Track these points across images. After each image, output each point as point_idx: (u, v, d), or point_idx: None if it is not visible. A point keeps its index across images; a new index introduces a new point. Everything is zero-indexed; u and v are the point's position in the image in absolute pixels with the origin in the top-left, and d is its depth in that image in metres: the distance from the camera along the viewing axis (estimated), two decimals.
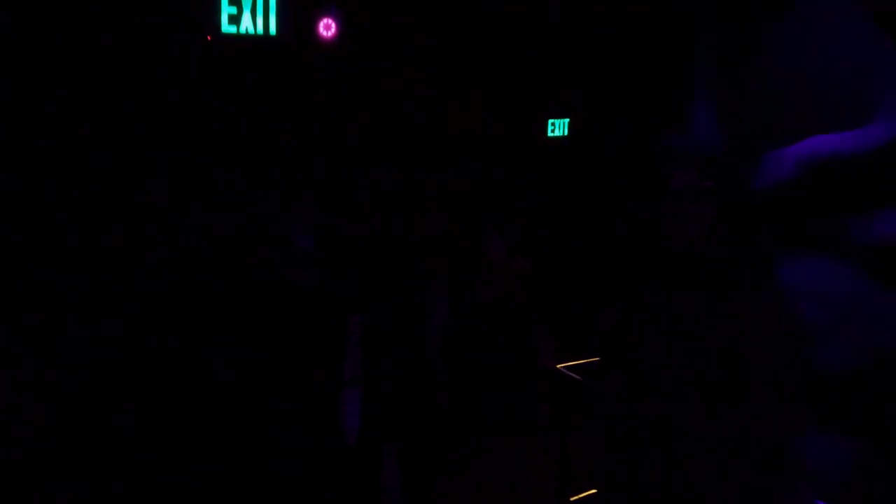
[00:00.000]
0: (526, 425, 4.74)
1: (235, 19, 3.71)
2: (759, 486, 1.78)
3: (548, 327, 5.79)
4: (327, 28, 3.91)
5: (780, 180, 2.73)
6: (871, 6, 2.67)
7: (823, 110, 2.86)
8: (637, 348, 1.87)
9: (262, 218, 3.62)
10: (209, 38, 3.72)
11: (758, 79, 3.20)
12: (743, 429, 1.75)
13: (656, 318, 1.91)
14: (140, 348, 3.52)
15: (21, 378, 3.36)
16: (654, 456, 1.83)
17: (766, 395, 1.80)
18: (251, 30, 3.74)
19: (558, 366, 2.92)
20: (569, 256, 6.02)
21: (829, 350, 2.46)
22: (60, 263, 3.68)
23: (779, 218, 2.56)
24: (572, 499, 2.86)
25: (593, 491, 2.73)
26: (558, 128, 5.95)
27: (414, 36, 4.80)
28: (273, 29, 3.75)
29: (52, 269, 3.65)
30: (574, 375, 2.77)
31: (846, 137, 2.76)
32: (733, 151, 2.48)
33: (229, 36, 3.73)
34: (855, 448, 2.34)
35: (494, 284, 5.45)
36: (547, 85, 5.91)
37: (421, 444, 2.54)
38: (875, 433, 2.24)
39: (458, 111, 5.58)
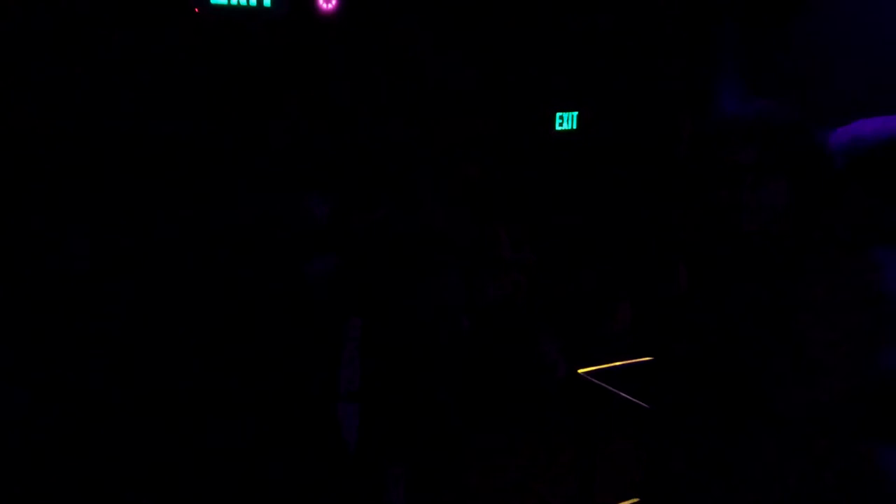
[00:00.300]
0: (540, 436, 4.48)
1: None
2: None
3: (553, 327, 5.53)
4: (327, 0, 3.61)
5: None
6: None
7: (876, 88, 2.60)
8: (701, 351, 1.56)
9: (257, 211, 3.32)
10: (196, 10, 3.41)
11: (798, 55, 2.93)
12: (813, 438, 1.47)
13: (725, 315, 1.60)
14: (126, 355, 3.22)
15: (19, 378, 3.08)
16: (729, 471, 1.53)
17: (839, 404, 1.52)
18: (243, 0, 3.44)
19: (579, 371, 2.62)
20: (577, 255, 5.76)
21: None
22: (44, 262, 3.37)
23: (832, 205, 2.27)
24: None
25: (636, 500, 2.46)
26: (567, 121, 5.69)
27: (421, 14, 4.53)
28: (267, 0, 3.46)
29: (36, 270, 3.34)
30: (596, 381, 2.47)
31: None
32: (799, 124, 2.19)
33: (219, 7, 3.43)
34: None
35: (501, 283, 5.20)
36: (554, 75, 5.66)
37: (430, 467, 2.20)
38: None
39: (463, 102, 5.32)
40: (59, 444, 3.00)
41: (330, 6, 3.65)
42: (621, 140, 5.53)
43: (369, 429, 2.11)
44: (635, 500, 2.48)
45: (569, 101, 5.67)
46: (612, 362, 5.71)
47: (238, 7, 3.43)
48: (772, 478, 1.56)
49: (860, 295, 1.63)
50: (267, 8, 3.47)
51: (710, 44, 3.45)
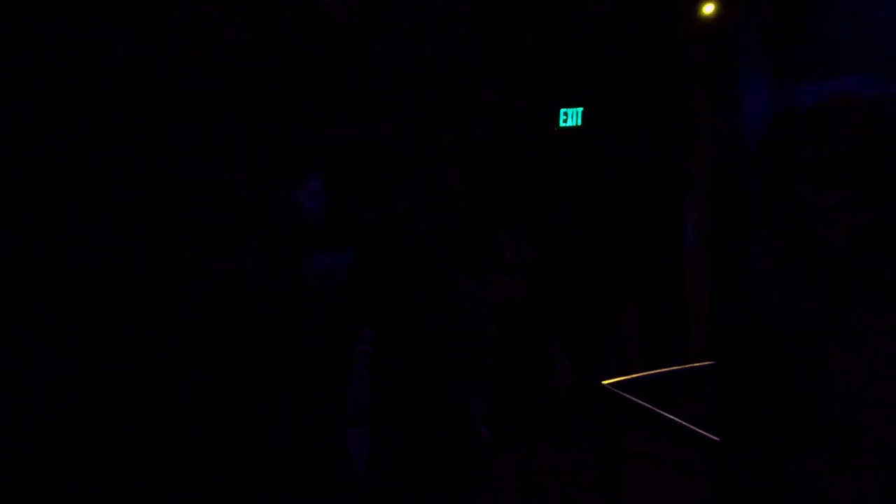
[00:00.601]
0: (554, 447, 4.31)
1: None
2: None
3: (558, 330, 5.37)
4: None
5: None
6: None
7: None
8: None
9: (249, 201, 3.12)
10: None
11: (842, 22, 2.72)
12: None
13: (799, 332, 1.40)
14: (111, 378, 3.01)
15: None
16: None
17: None
18: None
19: (604, 382, 2.45)
20: (580, 254, 5.60)
21: None
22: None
23: None
24: None
25: None
26: (571, 117, 5.51)
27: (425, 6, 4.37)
28: None
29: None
30: (623, 394, 2.30)
31: None
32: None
33: None
34: None
35: (505, 285, 5.03)
36: (559, 70, 5.49)
37: (449, 497, 1.98)
38: None
39: (466, 95, 5.15)
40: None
41: None
42: (628, 138, 5.37)
43: (382, 457, 1.89)
44: None
45: (573, 96, 5.50)
46: (618, 367, 5.56)
47: None
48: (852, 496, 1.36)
49: None
50: None
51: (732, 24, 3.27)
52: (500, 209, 5.15)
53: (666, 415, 1.83)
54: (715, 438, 1.62)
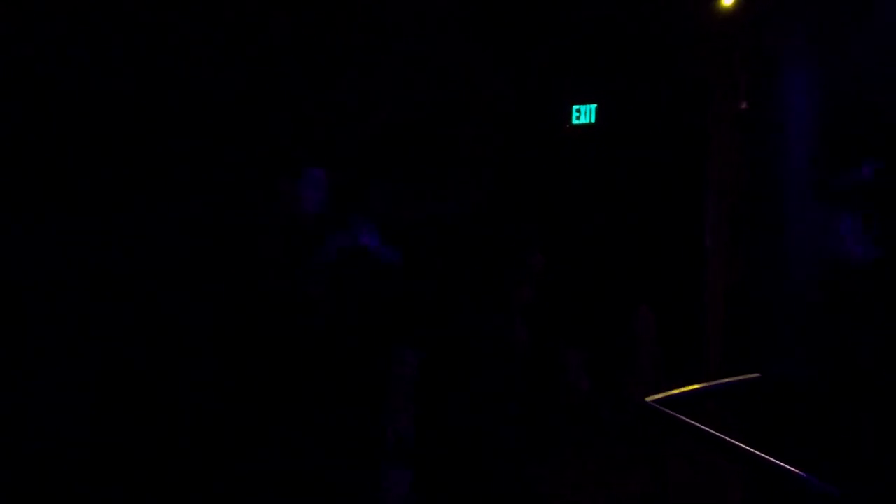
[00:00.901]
0: (580, 462, 4.11)
1: None
2: None
3: (572, 337, 5.17)
4: None
5: None
6: None
7: None
8: None
9: (249, 200, 2.95)
10: None
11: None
12: None
13: None
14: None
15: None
16: None
17: None
18: None
19: (647, 399, 2.23)
20: (597, 258, 5.42)
21: None
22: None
23: None
24: None
25: None
26: (584, 114, 5.32)
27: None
28: None
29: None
30: (673, 414, 2.09)
31: None
32: None
33: None
34: None
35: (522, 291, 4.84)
36: (569, 66, 5.30)
37: None
38: None
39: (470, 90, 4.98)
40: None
41: None
42: (644, 134, 5.19)
43: (424, 498, 1.64)
44: None
45: (586, 92, 5.32)
46: (635, 374, 5.35)
47: None
48: None
49: None
50: None
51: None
52: (506, 211, 4.97)
53: (743, 446, 1.58)
54: (799, 472, 1.40)
